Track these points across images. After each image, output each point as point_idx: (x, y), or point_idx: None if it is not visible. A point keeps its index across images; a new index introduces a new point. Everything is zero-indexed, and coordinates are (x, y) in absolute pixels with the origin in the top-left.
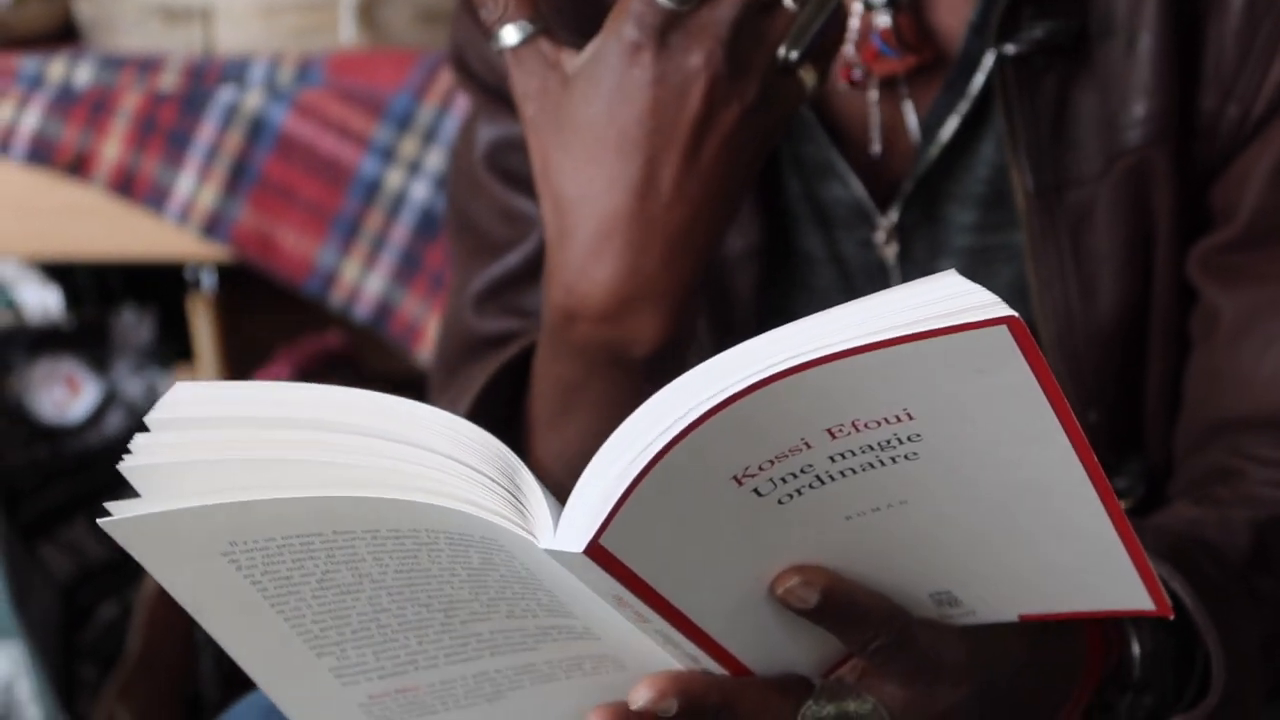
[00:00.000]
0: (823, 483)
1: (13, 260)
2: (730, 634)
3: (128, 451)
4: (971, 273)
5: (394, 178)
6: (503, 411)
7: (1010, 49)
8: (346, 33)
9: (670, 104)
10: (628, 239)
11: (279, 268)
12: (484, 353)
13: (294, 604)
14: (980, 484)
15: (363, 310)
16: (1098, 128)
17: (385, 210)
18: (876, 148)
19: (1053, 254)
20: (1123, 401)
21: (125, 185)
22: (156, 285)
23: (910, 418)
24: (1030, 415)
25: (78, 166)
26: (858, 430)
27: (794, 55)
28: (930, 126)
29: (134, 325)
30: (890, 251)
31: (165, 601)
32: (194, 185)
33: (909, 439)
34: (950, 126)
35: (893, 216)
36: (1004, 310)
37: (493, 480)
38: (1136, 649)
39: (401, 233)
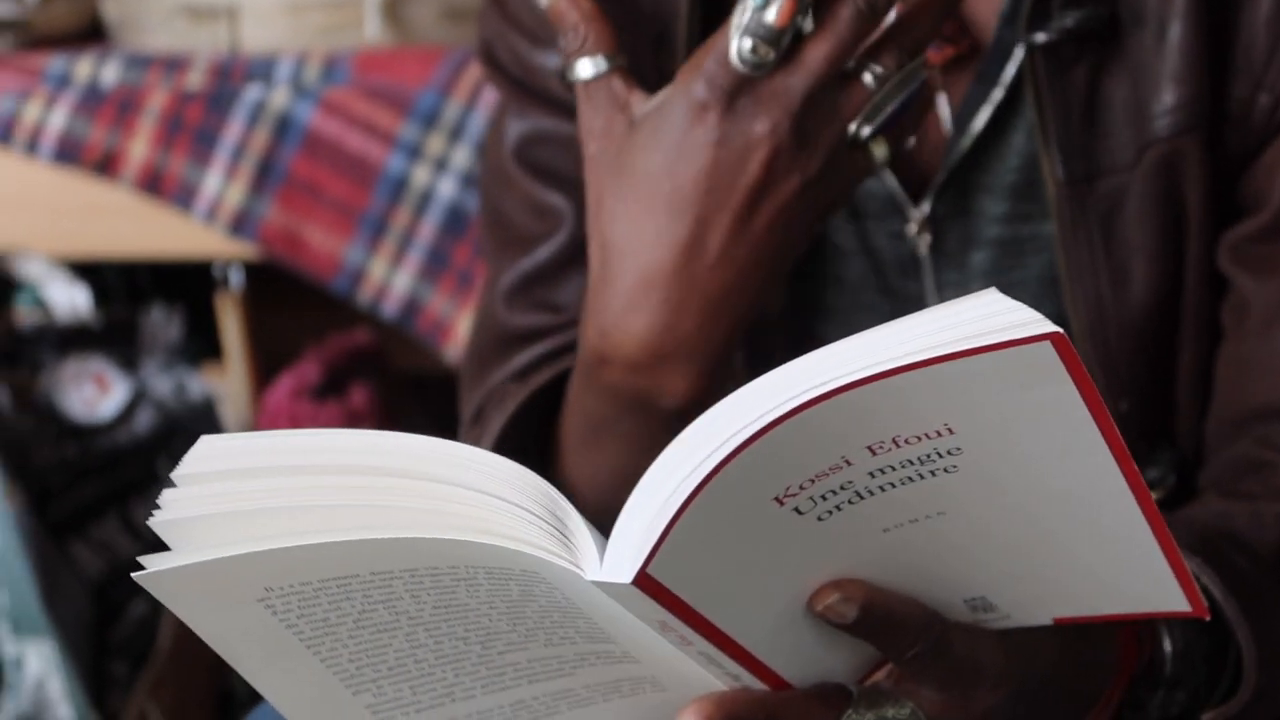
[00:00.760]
0: (861, 498)
1: (41, 259)
2: (771, 649)
3: (157, 450)
4: (1002, 263)
5: (420, 175)
6: (531, 442)
7: (1040, 38)
8: (372, 30)
9: (729, 167)
10: (667, 295)
11: (306, 266)
12: (514, 348)
13: (330, 644)
14: (1018, 494)
15: (390, 308)
16: (1128, 117)
17: (412, 208)
18: (911, 140)
19: (1084, 244)
20: (1154, 391)
21: (153, 184)
22: (184, 283)
23: (951, 432)
24: (1072, 428)
25: (105, 165)
26: (898, 446)
27: (865, 132)
28: (962, 117)
29: (162, 323)
30: (923, 243)
31: None
32: (221, 184)
33: (949, 453)
34: (982, 117)
35: (925, 208)
36: (1048, 326)
37: (536, 515)
38: (1168, 646)
39: (428, 230)
